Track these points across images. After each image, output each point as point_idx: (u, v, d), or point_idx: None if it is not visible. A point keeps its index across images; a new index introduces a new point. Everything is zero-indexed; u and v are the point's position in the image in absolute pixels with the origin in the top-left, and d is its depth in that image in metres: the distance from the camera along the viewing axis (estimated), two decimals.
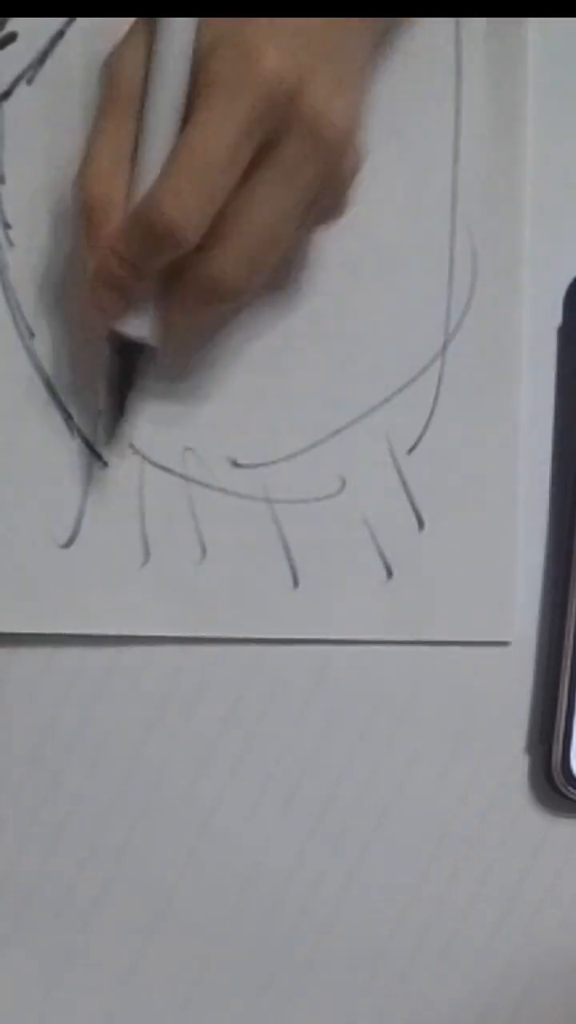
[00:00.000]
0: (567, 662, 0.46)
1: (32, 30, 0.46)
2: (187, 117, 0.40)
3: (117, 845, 0.46)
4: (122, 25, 0.42)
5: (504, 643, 0.47)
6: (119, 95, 0.41)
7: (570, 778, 0.46)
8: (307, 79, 0.39)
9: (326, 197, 0.42)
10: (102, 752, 0.46)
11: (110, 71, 0.42)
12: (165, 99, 0.41)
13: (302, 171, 0.40)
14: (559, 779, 0.46)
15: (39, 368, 0.46)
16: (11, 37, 0.46)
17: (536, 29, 0.47)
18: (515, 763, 0.47)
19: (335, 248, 0.47)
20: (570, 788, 0.46)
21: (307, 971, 0.46)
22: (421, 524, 0.47)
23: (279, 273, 0.45)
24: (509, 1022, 0.47)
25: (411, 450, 0.47)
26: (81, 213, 0.42)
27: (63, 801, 0.46)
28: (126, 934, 0.46)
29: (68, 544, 0.46)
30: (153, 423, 0.46)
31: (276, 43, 0.39)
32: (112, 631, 0.46)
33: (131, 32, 0.42)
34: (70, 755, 0.46)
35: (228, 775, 0.47)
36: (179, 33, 0.40)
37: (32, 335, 0.46)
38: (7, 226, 0.46)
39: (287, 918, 0.47)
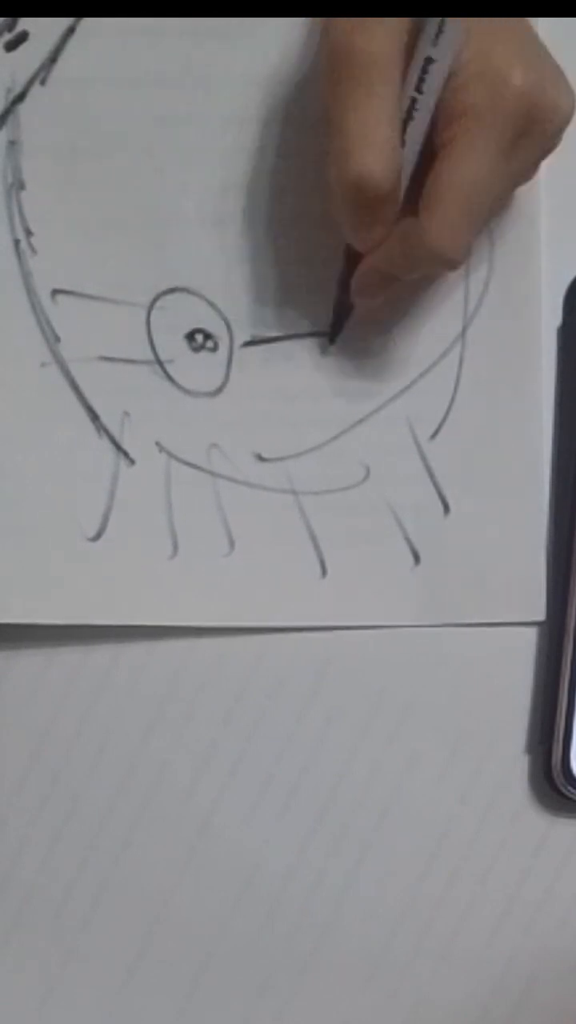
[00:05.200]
0: (567, 662, 0.46)
1: (42, 28, 0.46)
2: (435, 142, 0.41)
3: (117, 845, 0.46)
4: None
5: (535, 623, 0.47)
6: (374, 71, 0.40)
7: (570, 778, 0.46)
8: (545, 86, 0.41)
9: (536, 164, 0.44)
10: (102, 752, 0.46)
11: (356, 43, 0.40)
12: (428, 99, 0.41)
13: (531, 155, 0.42)
14: (559, 779, 0.46)
15: (66, 372, 0.46)
16: (23, 36, 0.46)
17: (548, 29, 0.47)
18: (515, 763, 0.47)
19: None
20: (570, 788, 0.46)
21: (307, 971, 0.46)
22: (447, 508, 0.47)
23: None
24: (509, 1022, 0.47)
25: (434, 435, 0.47)
26: (359, 193, 0.40)
27: (63, 801, 0.46)
28: (126, 934, 0.46)
29: (96, 538, 0.46)
30: (178, 422, 0.47)
31: (520, 62, 0.40)
32: (141, 622, 0.46)
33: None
34: (70, 755, 0.46)
35: (228, 775, 0.47)
36: (452, 44, 0.40)
37: (58, 339, 0.46)
38: (29, 233, 0.46)
39: (287, 918, 0.47)
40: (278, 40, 0.46)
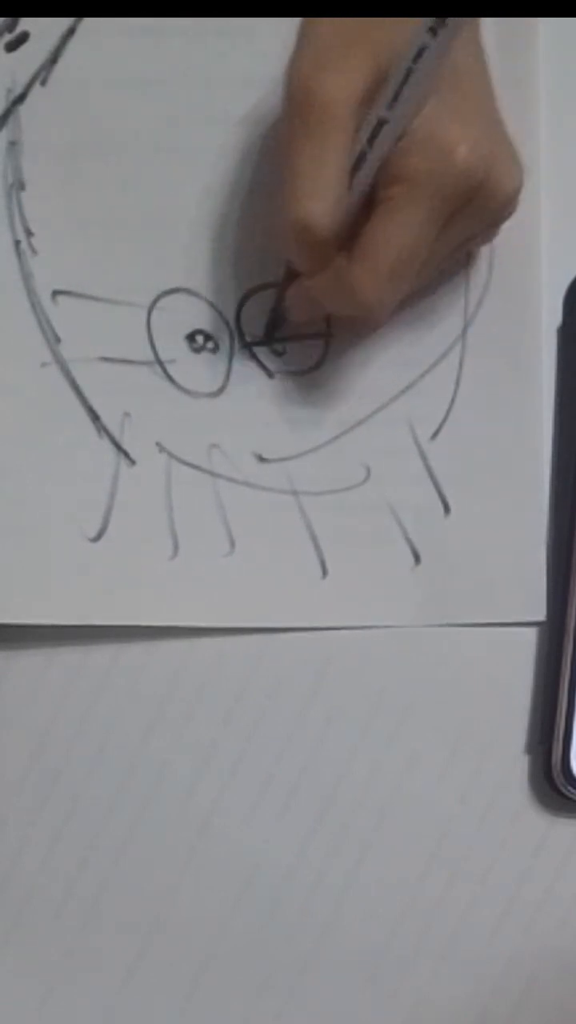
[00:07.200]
0: (567, 662, 0.46)
1: (43, 29, 0.46)
2: (377, 195, 0.41)
3: (117, 845, 0.46)
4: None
5: (535, 623, 0.47)
6: (329, 120, 0.39)
7: (570, 778, 0.46)
8: (491, 165, 0.41)
9: (482, 236, 0.45)
10: (102, 752, 0.46)
11: (311, 90, 0.40)
12: (377, 154, 0.40)
13: (469, 228, 0.43)
14: (559, 779, 0.46)
15: (66, 372, 0.46)
16: (23, 37, 0.46)
17: (548, 29, 0.48)
18: (515, 763, 0.47)
19: None
20: (570, 788, 0.46)
21: (307, 971, 0.46)
22: (447, 509, 0.47)
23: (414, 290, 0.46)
24: (509, 1022, 0.47)
25: (434, 436, 0.47)
26: (302, 234, 0.41)
27: (63, 801, 0.46)
28: (126, 934, 0.46)
29: (97, 538, 0.46)
30: (179, 422, 0.47)
31: (468, 138, 0.40)
32: (142, 623, 0.46)
33: (339, 58, 0.40)
34: (70, 755, 0.46)
35: (228, 775, 0.47)
36: (417, 101, 0.40)
37: (58, 340, 0.46)
38: (30, 233, 0.46)
39: (287, 918, 0.47)
40: (278, 40, 0.46)
